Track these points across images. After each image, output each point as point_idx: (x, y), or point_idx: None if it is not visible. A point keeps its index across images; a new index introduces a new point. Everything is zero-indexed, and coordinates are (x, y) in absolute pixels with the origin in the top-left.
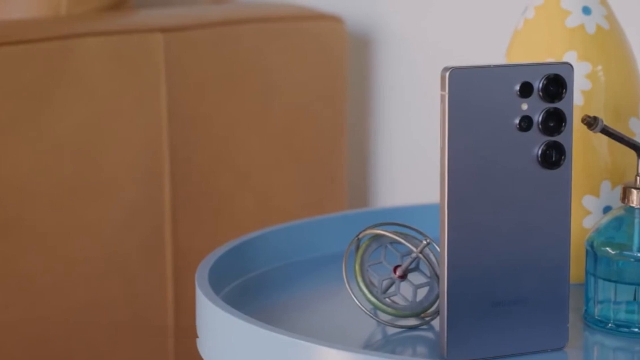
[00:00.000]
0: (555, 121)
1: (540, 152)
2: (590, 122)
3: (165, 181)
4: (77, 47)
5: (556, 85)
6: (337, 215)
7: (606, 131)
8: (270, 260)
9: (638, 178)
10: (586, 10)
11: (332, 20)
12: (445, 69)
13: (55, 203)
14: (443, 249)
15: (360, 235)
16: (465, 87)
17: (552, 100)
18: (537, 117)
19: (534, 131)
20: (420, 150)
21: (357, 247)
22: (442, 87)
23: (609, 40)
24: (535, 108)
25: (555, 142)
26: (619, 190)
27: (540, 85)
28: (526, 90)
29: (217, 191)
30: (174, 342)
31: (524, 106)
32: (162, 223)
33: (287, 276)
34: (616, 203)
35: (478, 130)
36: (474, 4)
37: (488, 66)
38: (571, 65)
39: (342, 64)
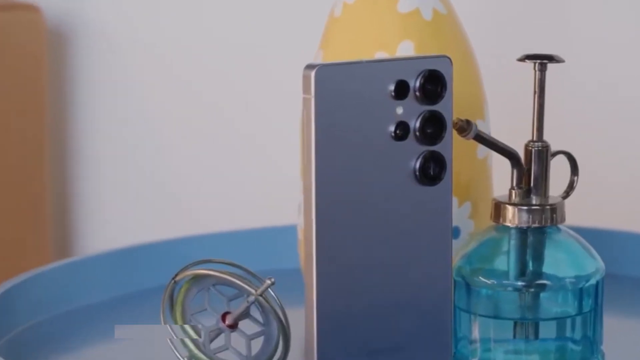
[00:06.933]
0: (434, 127)
1: (418, 165)
2: (464, 127)
3: None
4: None
5: (434, 83)
6: (100, 254)
7: (480, 137)
8: (34, 314)
9: (513, 191)
10: None
11: (26, 9)
12: (310, 67)
13: None
14: (311, 291)
15: (177, 278)
16: (334, 88)
17: (430, 102)
18: (414, 123)
19: (411, 140)
20: (133, 159)
21: (172, 293)
22: (306, 90)
23: (447, 27)
24: (411, 112)
25: (434, 152)
26: (467, 207)
27: (417, 84)
28: (401, 90)
29: None
30: None
31: (399, 110)
32: None
33: (66, 329)
34: (464, 222)
35: (349, 140)
36: None
37: (359, 62)
38: (450, 59)
39: (40, 63)
